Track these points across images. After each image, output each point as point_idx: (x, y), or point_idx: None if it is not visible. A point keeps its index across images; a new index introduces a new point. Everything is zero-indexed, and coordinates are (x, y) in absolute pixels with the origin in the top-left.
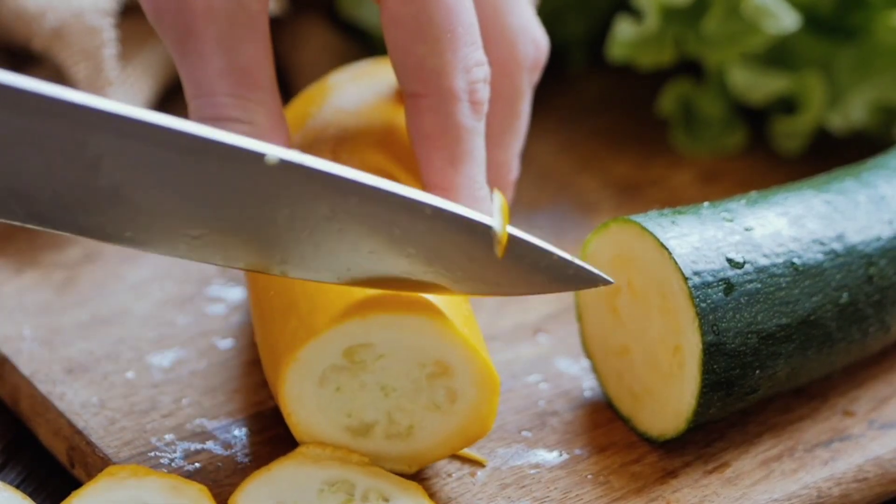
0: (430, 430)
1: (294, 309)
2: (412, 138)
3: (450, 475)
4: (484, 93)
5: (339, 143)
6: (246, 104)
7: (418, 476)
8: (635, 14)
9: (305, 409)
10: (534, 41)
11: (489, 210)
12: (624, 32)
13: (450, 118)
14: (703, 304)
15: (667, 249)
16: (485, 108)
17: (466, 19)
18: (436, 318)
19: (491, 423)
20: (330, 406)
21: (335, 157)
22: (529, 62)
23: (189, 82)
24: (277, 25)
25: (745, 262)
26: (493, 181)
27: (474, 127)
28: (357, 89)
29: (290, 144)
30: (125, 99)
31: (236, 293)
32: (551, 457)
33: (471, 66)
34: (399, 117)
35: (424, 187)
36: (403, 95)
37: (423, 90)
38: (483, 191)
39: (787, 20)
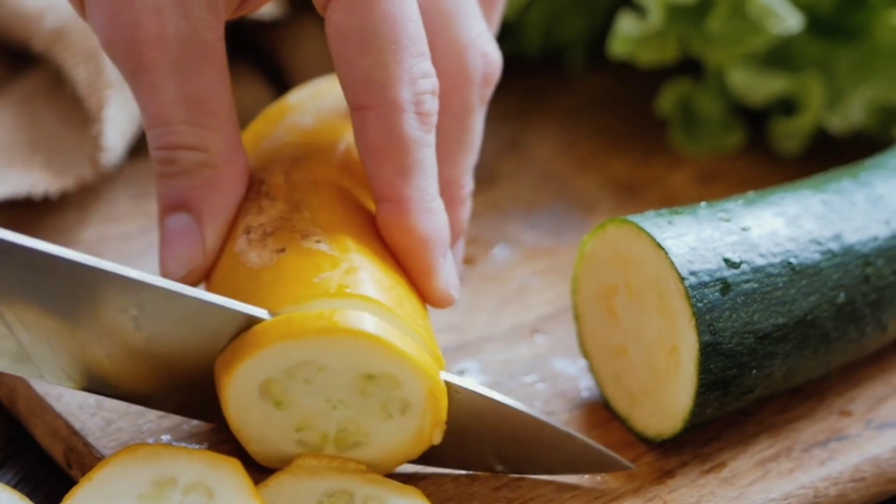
0: (384, 438)
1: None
2: (360, 152)
3: (448, 475)
4: (431, 104)
5: (293, 162)
6: (200, 132)
7: (416, 476)
8: (637, 11)
9: (253, 427)
10: (484, 55)
11: (443, 223)
12: (627, 28)
13: (396, 130)
14: (700, 304)
15: (663, 249)
16: (433, 119)
17: (412, 30)
18: (367, 336)
19: (442, 424)
20: (277, 421)
21: (288, 177)
22: (479, 76)
23: (144, 112)
24: (277, 25)
25: (741, 262)
26: (445, 198)
27: (422, 138)
28: (315, 107)
29: (248, 171)
30: (126, 100)
31: None
32: None
33: (416, 78)
34: None
35: (375, 201)
36: (350, 108)
37: (368, 102)
38: (435, 203)
39: (791, 21)
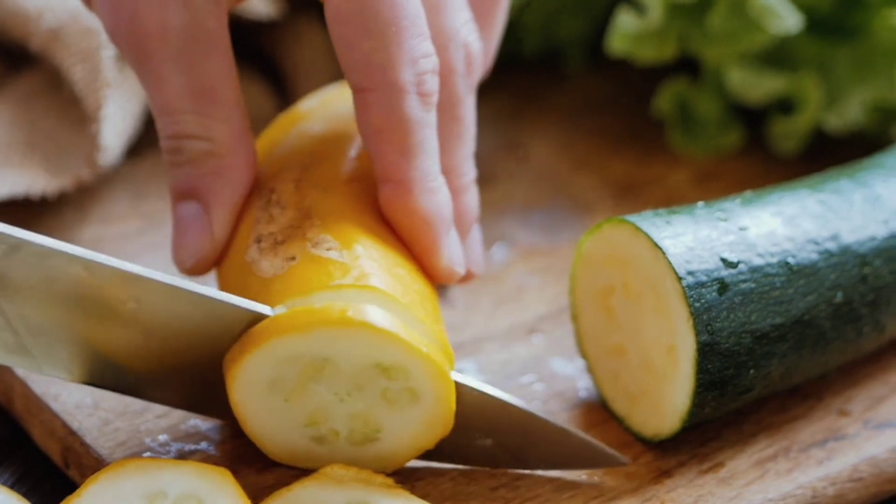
0: (395, 430)
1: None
2: (362, 133)
3: (446, 474)
4: (432, 84)
5: (303, 169)
6: (205, 122)
7: (413, 475)
8: (637, 8)
9: (262, 422)
10: (465, 45)
11: (444, 201)
12: (626, 25)
13: (398, 111)
14: (697, 304)
15: (661, 249)
16: (434, 98)
17: (412, 11)
18: (372, 329)
19: (452, 414)
20: (286, 417)
21: (298, 185)
22: (462, 66)
23: (151, 102)
24: (276, 26)
25: (739, 262)
26: (448, 187)
27: (423, 118)
28: (325, 114)
29: (255, 159)
30: (123, 100)
31: None
32: None
33: (417, 58)
34: None
35: (378, 182)
36: (352, 91)
37: (370, 85)
38: (436, 182)
39: (791, 20)
